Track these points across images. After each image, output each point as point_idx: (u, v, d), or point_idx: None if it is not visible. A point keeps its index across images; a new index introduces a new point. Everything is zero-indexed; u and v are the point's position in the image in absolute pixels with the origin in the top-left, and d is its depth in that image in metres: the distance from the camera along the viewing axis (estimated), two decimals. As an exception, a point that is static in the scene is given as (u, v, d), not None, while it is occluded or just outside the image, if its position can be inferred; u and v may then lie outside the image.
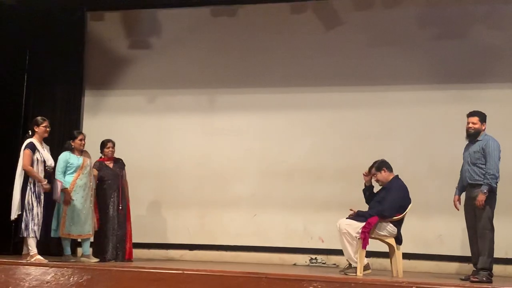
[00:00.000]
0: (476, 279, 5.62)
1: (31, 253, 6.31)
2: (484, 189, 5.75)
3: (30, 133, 6.63)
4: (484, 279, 5.63)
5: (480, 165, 5.85)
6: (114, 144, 7.35)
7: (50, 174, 6.62)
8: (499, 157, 5.88)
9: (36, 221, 6.34)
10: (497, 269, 6.15)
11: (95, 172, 7.20)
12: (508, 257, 7.00)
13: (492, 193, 5.80)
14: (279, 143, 8.14)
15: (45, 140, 6.77)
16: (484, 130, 6.00)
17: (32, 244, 6.34)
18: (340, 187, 7.71)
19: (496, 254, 5.96)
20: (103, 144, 7.32)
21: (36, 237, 6.35)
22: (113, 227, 7.12)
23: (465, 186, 6.06)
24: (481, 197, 5.75)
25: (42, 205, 6.43)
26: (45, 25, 8.56)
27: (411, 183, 6.31)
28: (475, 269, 5.91)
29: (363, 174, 6.43)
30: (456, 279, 5.99)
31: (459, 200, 6.14)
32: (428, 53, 7.76)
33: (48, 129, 6.69)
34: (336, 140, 7.92)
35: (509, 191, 6.61)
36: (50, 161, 6.61)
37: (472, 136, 6.01)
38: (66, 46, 8.60)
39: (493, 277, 5.81)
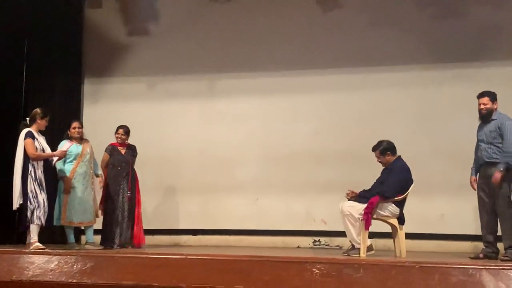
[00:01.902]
0: (507, 258, 5.58)
1: (32, 241, 6.33)
2: (501, 167, 5.72)
3: (28, 122, 6.63)
4: None
5: (497, 144, 5.83)
6: (126, 131, 7.28)
7: (49, 162, 6.64)
8: None
9: (42, 207, 6.35)
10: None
11: (106, 156, 7.19)
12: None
13: (509, 171, 5.74)
14: (280, 127, 8.14)
15: (45, 129, 6.80)
16: (496, 108, 5.98)
17: (34, 232, 6.35)
18: (341, 169, 7.71)
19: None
20: (116, 130, 7.31)
21: (42, 224, 6.37)
22: (122, 214, 7.08)
23: (481, 165, 6.01)
24: (497, 175, 5.71)
25: (45, 192, 6.44)
26: (42, 13, 8.52)
27: (412, 164, 6.29)
28: (484, 246, 5.87)
29: (346, 195, 6.30)
30: (461, 257, 5.98)
31: (476, 180, 6.08)
32: (427, 32, 7.73)
33: (47, 124, 6.73)
34: (337, 123, 7.92)
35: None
36: (48, 150, 6.64)
37: (485, 116, 5.98)
38: (64, 34, 8.58)
39: None
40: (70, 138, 7.00)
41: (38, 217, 6.32)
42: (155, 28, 8.64)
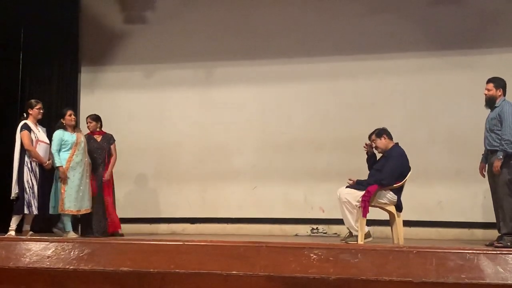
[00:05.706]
0: (500, 244, 5.54)
1: (10, 229, 6.51)
2: (500, 155, 5.69)
3: (25, 115, 6.79)
4: (509, 243, 5.55)
5: (497, 131, 5.80)
6: (93, 118, 7.29)
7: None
8: None
9: (37, 198, 6.54)
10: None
11: None
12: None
13: (508, 158, 5.72)
14: (278, 114, 8.11)
15: (43, 119, 6.93)
16: (500, 96, 5.94)
17: (14, 221, 6.55)
18: (339, 157, 7.70)
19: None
20: (86, 120, 7.36)
21: (35, 213, 6.57)
22: (99, 201, 7.09)
23: (487, 153, 5.99)
24: (496, 163, 5.70)
25: (39, 183, 6.61)
26: (38, 1, 8.45)
27: (410, 151, 6.28)
28: (500, 234, 5.83)
29: (364, 146, 6.39)
30: (460, 244, 5.98)
31: (484, 168, 6.06)
32: (426, 19, 7.69)
33: (41, 111, 6.86)
34: (335, 110, 7.89)
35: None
36: (45, 141, 6.79)
37: (488, 102, 5.98)
38: (60, 23, 8.51)
39: None
40: (64, 127, 6.96)
41: (36, 207, 6.51)
42: (152, 16, 8.58)
